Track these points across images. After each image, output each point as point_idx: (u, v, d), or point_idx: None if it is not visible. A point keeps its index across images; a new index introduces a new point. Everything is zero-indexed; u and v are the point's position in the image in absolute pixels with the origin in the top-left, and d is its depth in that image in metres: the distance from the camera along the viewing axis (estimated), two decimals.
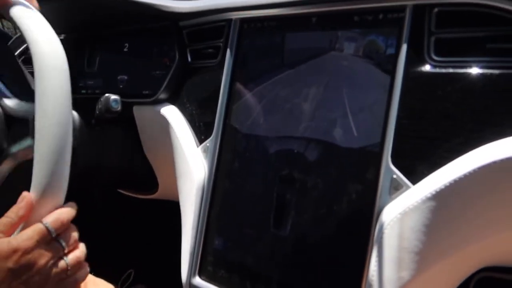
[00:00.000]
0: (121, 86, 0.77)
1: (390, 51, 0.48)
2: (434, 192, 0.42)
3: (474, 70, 0.43)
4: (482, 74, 0.42)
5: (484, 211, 0.41)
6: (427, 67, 0.45)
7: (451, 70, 0.44)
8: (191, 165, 0.61)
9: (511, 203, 0.40)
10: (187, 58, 0.68)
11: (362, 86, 0.49)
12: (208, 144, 0.61)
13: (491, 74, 0.42)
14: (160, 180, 0.80)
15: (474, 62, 0.43)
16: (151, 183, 0.82)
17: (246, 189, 0.57)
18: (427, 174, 0.43)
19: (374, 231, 0.45)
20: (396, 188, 0.45)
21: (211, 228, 0.60)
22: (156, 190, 0.83)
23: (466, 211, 0.42)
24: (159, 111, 0.68)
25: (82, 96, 0.84)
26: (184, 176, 0.62)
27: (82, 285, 0.55)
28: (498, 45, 0.42)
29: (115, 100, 0.69)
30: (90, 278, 0.64)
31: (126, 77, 0.78)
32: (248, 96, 0.59)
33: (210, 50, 0.65)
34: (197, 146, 0.63)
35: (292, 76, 0.55)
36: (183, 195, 0.62)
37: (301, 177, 0.52)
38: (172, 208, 0.78)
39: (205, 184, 0.60)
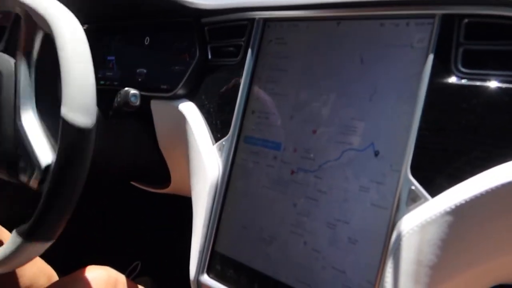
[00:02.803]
0: (139, 80, 0.77)
1: (416, 60, 0.47)
2: (453, 207, 0.41)
3: (502, 84, 0.41)
4: (510, 89, 0.41)
5: (503, 230, 0.40)
6: (453, 79, 0.44)
7: (478, 83, 0.43)
8: (206, 162, 0.61)
9: None
10: (208, 55, 0.68)
11: (385, 94, 0.48)
12: (224, 143, 0.61)
13: None
14: (173, 175, 0.80)
15: (502, 76, 0.42)
16: (164, 177, 0.82)
17: (259, 191, 0.57)
18: (447, 188, 0.42)
19: (390, 242, 0.44)
20: (414, 199, 0.44)
21: (222, 227, 0.59)
22: (169, 185, 0.83)
23: (485, 228, 0.41)
24: (177, 107, 0.68)
25: (100, 87, 0.84)
26: (198, 173, 0.62)
27: None
28: None
29: (134, 95, 0.70)
30: None
31: (145, 71, 0.78)
32: (267, 97, 0.58)
33: (231, 49, 0.65)
34: (213, 144, 0.62)
35: (313, 81, 0.55)
36: (195, 192, 0.62)
37: (317, 182, 0.52)
38: (183, 204, 0.79)
39: (219, 183, 0.60)
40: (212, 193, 0.60)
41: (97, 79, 0.88)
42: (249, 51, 0.61)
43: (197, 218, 0.61)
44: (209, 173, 0.60)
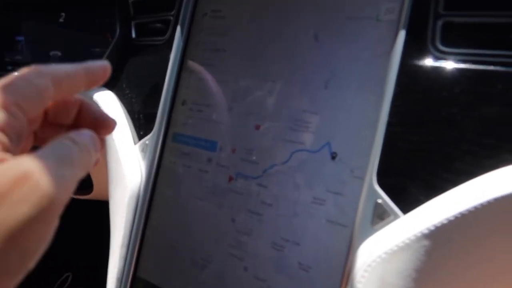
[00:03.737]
0: (53, 64, 0.63)
1: (384, 36, 0.37)
2: (433, 228, 0.31)
3: (492, 67, 0.32)
4: (502, 73, 0.32)
5: (495, 255, 0.31)
6: (430, 60, 0.34)
7: (462, 65, 0.33)
8: (125, 167, 0.48)
9: None
10: (131, 33, 0.56)
11: (344, 81, 0.38)
12: (147, 142, 0.49)
13: None
14: (94, 180, 0.67)
15: (492, 56, 0.32)
16: (85, 182, 0.69)
17: (191, 203, 0.45)
18: (424, 201, 0.33)
19: (350, 270, 0.34)
20: (381, 216, 0.34)
21: (145, 247, 0.47)
22: (91, 190, 0.70)
23: (472, 253, 0.31)
24: (92, 97, 0.54)
25: (7, 73, 0.69)
26: (115, 181, 0.50)
27: None
28: None
29: None
30: None
31: (59, 53, 0.65)
32: (201, 84, 0.47)
33: (158, 25, 0.53)
34: (135, 144, 0.50)
35: (256, 64, 0.43)
36: (113, 203, 0.50)
37: (260, 191, 0.41)
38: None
39: (141, 192, 0.48)
40: (132, 204, 0.48)
41: (4, 63, 0.73)
42: (179, 27, 0.49)
43: (114, 235, 0.48)
44: (128, 180, 0.48)
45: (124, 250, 0.48)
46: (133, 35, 0.55)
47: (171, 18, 0.50)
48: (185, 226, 0.45)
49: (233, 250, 0.42)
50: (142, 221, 0.47)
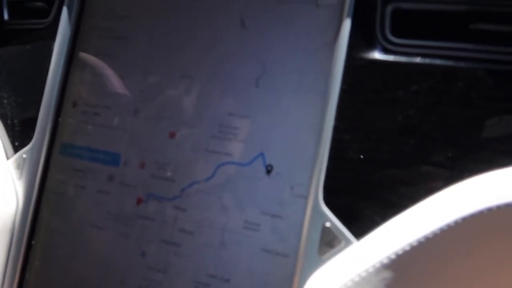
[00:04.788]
0: None
1: (325, 25, 0.31)
2: (394, 256, 0.25)
3: (451, 62, 0.27)
4: (462, 69, 0.27)
5: (464, 277, 0.27)
6: (379, 54, 0.29)
7: (416, 60, 0.28)
8: None
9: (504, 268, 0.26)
10: (2, 15, 0.43)
11: (279, 77, 0.31)
12: (25, 156, 0.37)
13: (476, 70, 0.27)
14: None
15: (449, 49, 0.28)
16: None
17: (86, 234, 0.35)
18: (380, 223, 0.27)
19: None
20: (330, 243, 0.28)
21: None
22: None
23: (438, 280, 0.26)
24: None
25: None
26: None
27: None
28: (487, 26, 0.27)
29: None
30: None
31: None
32: (97, 80, 0.37)
33: (38, 4, 0.41)
34: (7, 159, 0.38)
35: (168, 55, 0.35)
36: None
37: (178, 215, 0.33)
38: None
39: (17, 223, 0.36)
40: (4, 242, 0.36)
41: None
42: (65, 7, 0.38)
43: None
44: None
45: None
46: (5, 16, 0.43)
47: None
48: (79, 264, 0.35)
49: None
50: (20, 262, 0.36)
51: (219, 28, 0.33)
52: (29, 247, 0.36)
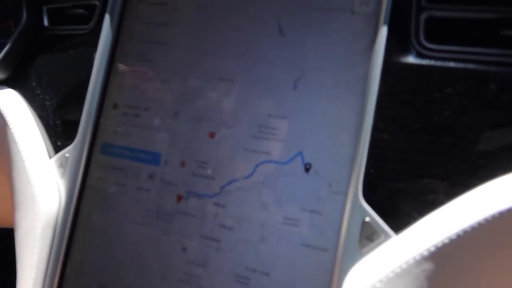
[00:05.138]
0: None
1: (361, 31, 0.32)
2: (433, 249, 0.27)
3: (484, 67, 0.29)
4: (495, 73, 0.29)
5: (503, 271, 0.28)
6: (414, 58, 0.31)
7: (449, 64, 0.30)
8: (36, 187, 0.38)
9: None
10: (43, 21, 0.45)
11: (316, 79, 0.33)
12: (67, 155, 0.39)
13: (508, 74, 0.29)
14: None
15: (482, 54, 0.29)
16: None
17: (127, 230, 0.36)
18: (418, 218, 0.29)
19: None
20: (370, 237, 0.29)
21: None
22: None
23: (477, 273, 0.28)
24: None
25: None
26: (24, 207, 0.39)
27: None
28: None
29: None
30: None
31: None
32: (137, 83, 0.39)
33: (79, 11, 0.43)
34: (50, 157, 0.40)
35: (207, 60, 0.37)
36: (20, 237, 0.39)
37: (218, 212, 0.34)
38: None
39: (59, 219, 0.38)
40: (47, 236, 0.37)
41: None
42: (107, 14, 0.40)
43: (22, 278, 0.37)
44: (42, 205, 0.37)
45: None
46: (45, 23, 0.45)
47: (97, 3, 0.41)
48: (119, 260, 0.36)
49: (185, 287, 0.34)
50: (61, 257, 0.37)
51: (257, 34, 0.35)
52: (70, 243, 0.38)
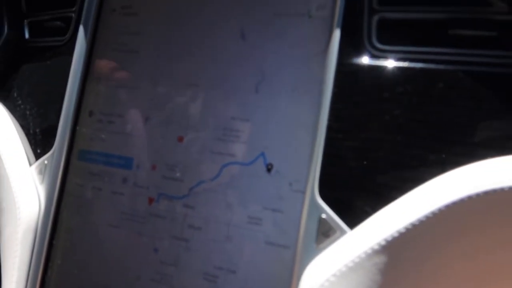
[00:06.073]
0: None
1: (317, 34, 0.33)
2: (384, 242, 0.28)
3: (433, 65, 0.30)
4: (444, 71, 0.30)
5: (451, 263, 0.29)
6: (367, 59, 0.32)
7: (401, 64, 0.31)
8: (17, 194, 0.39)
9: (488, 250, 0.28)
10: (24, 34, 0.47)
11: (277, 83, 0.34)
12: (46, 162, 0.40)
13: (457, 72, 0.30)
14: None
15: (432, 53, 0.30)
16: None
17: (103, 233, 0.38)
18: (371, 213, 0.30)
19: None
20: (326, 234, 0.30)
21: None
22: None
23: (427, 266, 0.29)
24: None
25: None
26: (5, 213, 0.40)
27: None
28: (465, 31, 0.30)
29: None
30: None
31: None
32: (111, 91, 0.40)
33: (57, 23, 0.45)
34: (30, 165, 0.41)
35: (175, 66, 0.38)
36: (2, 243, 0.40)
37: (187, 213, 0.35)
38: None
39: (39, 224, 0.39)
40: (28, 239, 0.39)
41: None
42: (81, 26, 0.41)
43: (5, 282, 0.39)
44: (22, 210, 0.39)
45: None
46: (26, 35, 0.47)
47: (73, 15, 0.43)
48: (97, 262, 0.38)
49: (157, 286, 0.35)
50: (42, 260, 0.39)
51: (221, 40, 0.36)
52: (50, 247, 0.39)
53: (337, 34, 0.32)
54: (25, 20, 0.47)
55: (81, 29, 0.41)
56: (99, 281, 0.38)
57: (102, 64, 0.41)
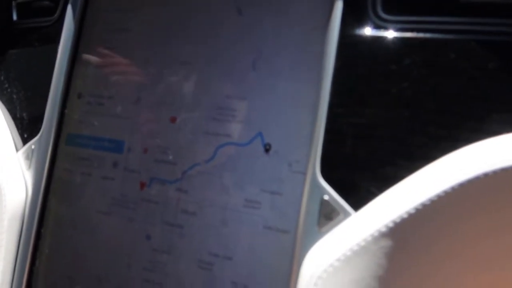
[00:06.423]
0: None
1: (315, 7, 0.31)
2: (392, 224, 0.26)
3: (442, 35, 0.28)
4: (453, 41, 0.28)
5: (463, 246, 0.27)
6: (371, 30, 0.30)
7: (408, 34, 0.29)
8: (3, 180, 0.38)
9: (505, 230, 0.26)
10: (11, 16, 0.45)
11: (275, 59, 0.32)
12: (33, 146, 0.38)
13: (467, 41, 0.27)
14: None
15: (440, 23, 0.28)
16: None
17: (93, 219, 0.36)
18: (377, 194, 0.27)
19: (296, 287, 0.28)
20: (328, 216, 0.28)
21: (35, 281, 0.37)
22: None
23: (437, 249, 0.27)
24: None
25: None
26: None
27: None
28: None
29: None
30: None
31: None
32: (100, 72, 0.38)
33: (45, 3, 0.43)
34: (17, 150, 0.39)
35: (168, 44, 0.36)
36: None
37: (181, 197, 0.33)
38: None
39: (26, 212, 0.37)
40: (15, 228, 0.37)
41: None
42: (69, 5, 0.39)
43: None
44: (8, 197, 0.37)
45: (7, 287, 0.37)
46: (15, 17, 0.45)
47: None
48: (86, 250, 0.36)
49: (149, 275, 0.33)
50: (30, 248, 0.37)
51: (216, 16, 0.34)
52: (38, 235, 0.37)
53: (339, 4, 0.30)
54: (13, 2, 0.45)
55: (69, 8, 0.39)
56: (89, 271, 0.36)
57: (91, 44, 0.39)
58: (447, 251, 0.27)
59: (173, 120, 0.34)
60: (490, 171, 0.24)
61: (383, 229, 0.26)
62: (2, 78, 0.43)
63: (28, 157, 0.38)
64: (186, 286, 0.32)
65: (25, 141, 0.39)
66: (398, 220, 0.26)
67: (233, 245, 0.31)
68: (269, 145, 0.31)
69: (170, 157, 0.34)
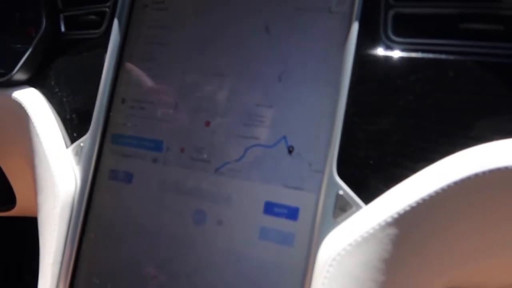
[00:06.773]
0: None
1: (337, 28, 0.36)
2: (396, 215, 0.30)
3: (444, 56, 0.33)
4: (453, 61, 0.32)
5: (461, 238, 0.31)
6: (383, 50, 0.34)
7: (414, 54, 0.34)
8: (55, 173, 0.43)
9: (494, 226, 0.31)
10: (60, 28, 0.50)
11: (298, 72, 0.37)
12: (82, 144, 0.44)
13: (465, 62, 0.32)
14: (18, 193, 0.59)
15: (443, 45, 0.33)
16: (6, 196, 0.61)
17: (135, 211, 0.41)
18: (385, 190, 0.32)
19: (312, 269, 0.33)
20: (343, 208, 0.33)
21: (81, 264, 0.42)
22: (14, 206, 0.62)
23: (437, 239, 0.31)
24: (14, 96, 0.48)
25: None
26: (45, 190, 0.44)
27: None
28: (474, 25, 0.33)
29: None
30: None
31: None
32: (142, 80, 0.43)
33: (92, 17, 0.48)
34: (67, 147, 0.45)
35: (203, 57, 0.41)
36: (42, 217, 0.44)
37: (214, 191, 0.38)
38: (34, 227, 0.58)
39: (75, 201, 0.42)
40: (65, 215, 0.42)
41: None
42: (116, 19, 0.45)
43: (45, 252, 0.42)
44: (60, 188, 0.42)
45: (57, 268, 0.42)
46: (62, 29, 0.50)
47: (107, 10, 0.46)
48: (129, 236, 0.41)
49: (171, 257, 0.38)
50: (78, 233, 0.42)
51: (247, 33, 0.39)
52: (85, 221, 0.42)
53: (355, 27, 0.35)
54: (61, 15, 0.51)
55: (115, 23, 0.45)
56: (131, 255, 0.41)
57: (135, 55, 0.44)
58: (444, 242, 0.31)
59: (207, 124, 0.39)
60: (480, 172, 0.29)
61: (389, 219, 0.31)
62: (52, 83, 0.48)
63: (77, 153, 0.44)
64: (219, 274, 0.37)
65: (74, 139, 0.45)
66: (401, 212, 0.30)
67: (261, 230, 0.36)
68: (292, 147, 0.36)
69: (205, 156, 0.39)
